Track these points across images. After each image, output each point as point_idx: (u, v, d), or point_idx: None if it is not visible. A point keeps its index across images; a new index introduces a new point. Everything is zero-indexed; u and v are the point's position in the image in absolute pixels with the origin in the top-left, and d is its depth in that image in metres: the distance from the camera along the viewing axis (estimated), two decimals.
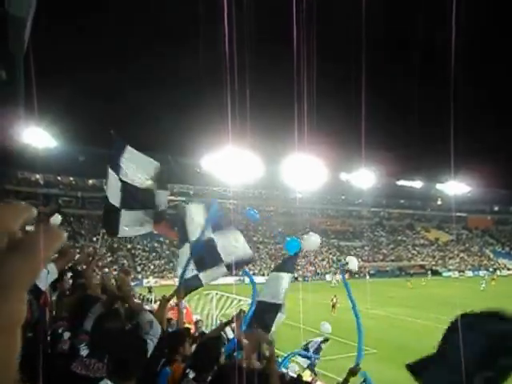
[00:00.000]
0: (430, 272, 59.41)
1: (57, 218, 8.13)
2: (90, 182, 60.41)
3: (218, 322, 20.21)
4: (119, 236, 6.30)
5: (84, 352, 3.19)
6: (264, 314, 5.97)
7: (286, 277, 6.12)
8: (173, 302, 6.30)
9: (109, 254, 48.49)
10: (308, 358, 9.45)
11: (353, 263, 7.76)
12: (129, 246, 50.76)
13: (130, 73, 47.80)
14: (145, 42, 44.82)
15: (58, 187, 57.62)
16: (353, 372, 5.12)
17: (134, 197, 6.01)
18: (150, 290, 26.29)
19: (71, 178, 59.06)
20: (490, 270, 63.75)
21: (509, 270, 62.53)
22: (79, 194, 57.47)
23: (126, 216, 5.91)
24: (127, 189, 5.97)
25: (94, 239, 51.25)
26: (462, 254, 68.28)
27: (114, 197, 5.99)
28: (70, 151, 49.03)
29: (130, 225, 5.99)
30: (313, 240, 7.05)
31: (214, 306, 20.17)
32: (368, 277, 53.58)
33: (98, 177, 58.76)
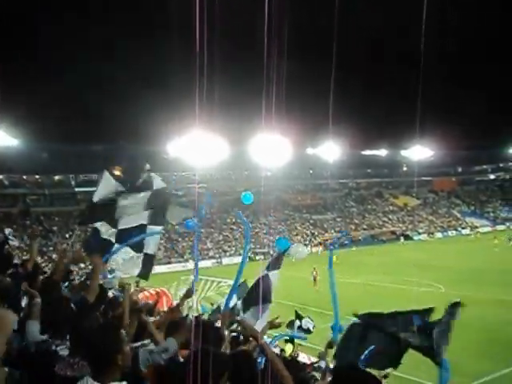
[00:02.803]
0: (402, 237, 60.99)
1: None
2: (56, 178, 58.96)
3: (200, 305, 20.34)
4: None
5: (63, 352, 3.15)
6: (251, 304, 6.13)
7: (276, 274, 6.29)
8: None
9: (83, 250, 47.70)
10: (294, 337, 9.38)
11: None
12: None
13: (88, 63, 46.12)
14: (103, 29, 43.26)
15: (24, 186, 56.06)
16: (330, 345, 5.50)
17: None
18: (137, 284, 25.79)
19: (37, 176, 57.37)
20: (458, 229, 66.13)
21: (476, 228, 64.84)
22: (46, 192, 56.05)
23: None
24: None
25: (67, 236, 50.29)
26: (430, 217, 70.31)
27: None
28: (31, 149, 47.63)
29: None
30: (300, 251, 7.24)
31: (194, 290, 20.20)
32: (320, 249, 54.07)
33: (64, 172, 57.37)
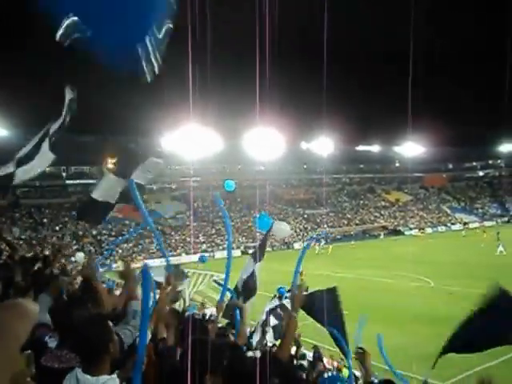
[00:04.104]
0: (382, 234, 61.29)
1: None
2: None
3: (189, 300, 20.38)
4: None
5: (52, 344, 3.11)
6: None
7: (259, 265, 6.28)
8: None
9: (74, 242, 47.53)
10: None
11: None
12: (94, 233, 49.81)
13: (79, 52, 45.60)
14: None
15: None
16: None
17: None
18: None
19: None
20: (448, 225, 66.68)
21: (466, 224, 65.34)
22: (37, 184, 55.49)
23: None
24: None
25: (57, 229, 50.04)
26: (421, 213, 70.79)
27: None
28: (21, 140, 47.12)
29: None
30: (282, 229, 6.96)
31: (186, 284, 20.20)
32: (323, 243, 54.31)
33: (55, 164, 56.88)
